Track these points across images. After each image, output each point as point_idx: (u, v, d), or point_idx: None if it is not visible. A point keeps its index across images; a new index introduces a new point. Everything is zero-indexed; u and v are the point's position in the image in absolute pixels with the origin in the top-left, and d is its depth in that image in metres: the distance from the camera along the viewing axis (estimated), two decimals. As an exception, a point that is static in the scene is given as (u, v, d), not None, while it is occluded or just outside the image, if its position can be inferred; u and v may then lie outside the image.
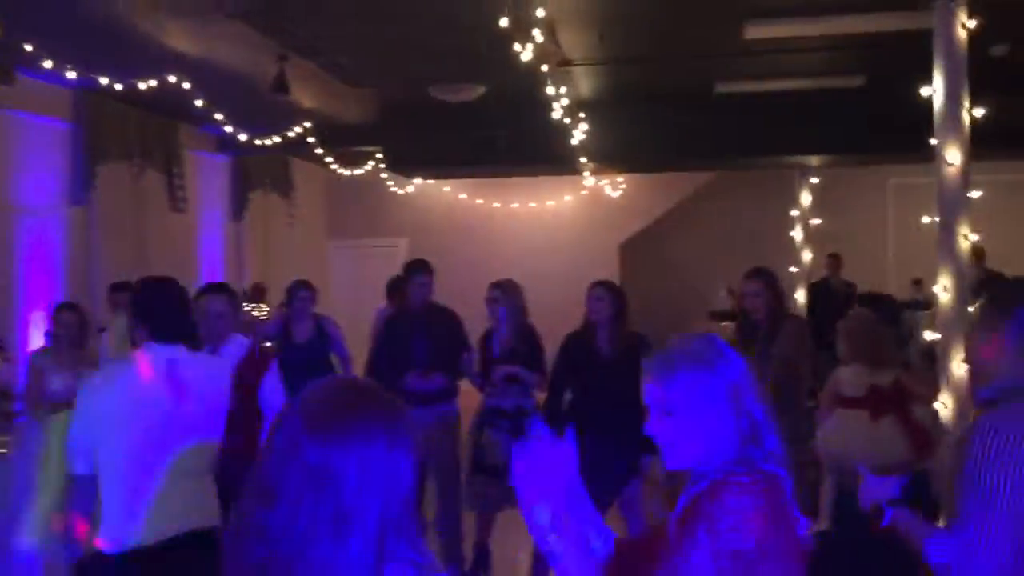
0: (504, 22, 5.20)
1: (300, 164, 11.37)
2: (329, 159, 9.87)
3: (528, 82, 6.59)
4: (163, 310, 3.16)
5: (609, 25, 6.13)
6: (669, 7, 5.87)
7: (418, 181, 12.64)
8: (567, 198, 12.75)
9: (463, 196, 12.97)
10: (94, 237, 8.02)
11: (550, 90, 6.91)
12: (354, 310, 10.88)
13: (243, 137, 8.11)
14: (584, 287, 5.04)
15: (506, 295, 5.46)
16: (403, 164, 9.95)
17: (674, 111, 8.47)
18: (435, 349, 5.42)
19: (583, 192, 12.39)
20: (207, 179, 10.09)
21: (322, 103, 8.41)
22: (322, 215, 13.28)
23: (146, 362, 3.09)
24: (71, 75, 6.05)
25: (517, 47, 5.50)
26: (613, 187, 12.21)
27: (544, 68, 5.91)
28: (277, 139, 8.51)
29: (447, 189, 12.93)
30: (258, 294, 10.15)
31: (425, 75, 7.38)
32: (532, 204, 12.96)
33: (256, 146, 9.29)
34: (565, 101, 6.97)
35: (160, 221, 8.97)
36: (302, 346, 6.17)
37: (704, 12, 6.05)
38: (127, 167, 8.35)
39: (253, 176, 10.78)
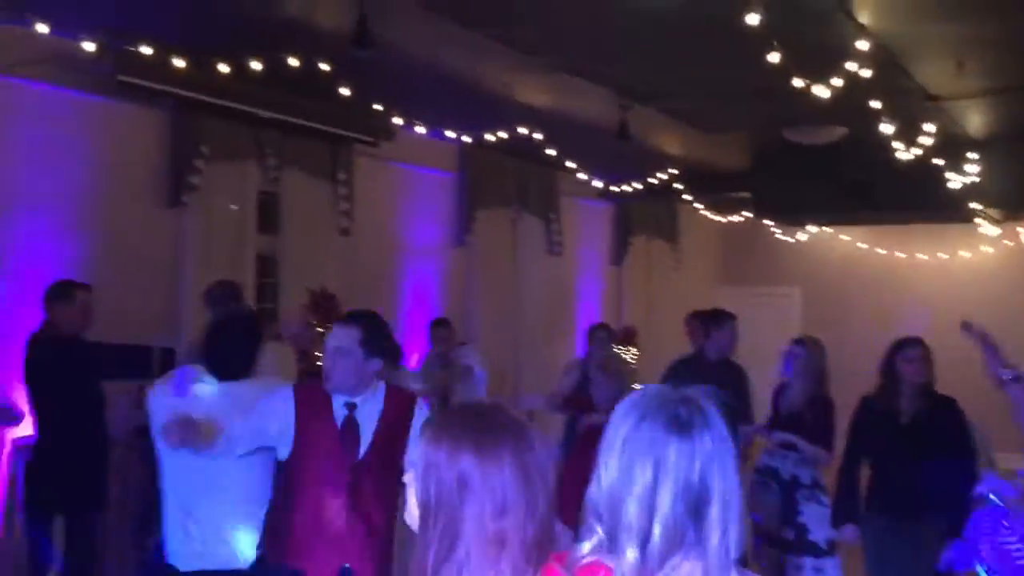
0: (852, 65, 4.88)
1: (689, 211, 11.43)
2: (699, 205, 9.80)
3: (896, 120, 6.05)
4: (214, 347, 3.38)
5: (968, 51, 5.41)
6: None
7: (812, 229, 12.06)
8: (985, 249, 11.31)
9: (863, 245, 12.10)
10: (472, 276, 8.81)
11: (922, 127, 6.29)
12: (744, 355, 10.68)
13: (598, 184, 8.39)
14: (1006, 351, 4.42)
15: (807, 352, 5.04)
16: (773, 210, 9.57)
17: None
18: None
19: (1008, 243, 10.92)
20: (588, 224, 10.56)
21: (687, 150, 8.43)
22: (712, 261, 13.19)
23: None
24: (422, 129, 6.73)
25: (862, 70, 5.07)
26: (1040, 238, 10.60)
27: (866, 106, 5.38)
28: (639, 186, 8.66)
29: (845, 238, 12.16)
30: (630, 336, 10.36)
31: (778, 117, 7.08)
32: (942, 255, 11.69)
33: (637, 194, 9.57)
34: (928, 140, 6.26)
35: (537, 263, 9.58)
36: None
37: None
38: (505, 212, 9.07)
39: (635, 222, 11.06)
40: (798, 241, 12.27)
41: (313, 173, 7.05)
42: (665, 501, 1.45)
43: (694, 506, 1.46)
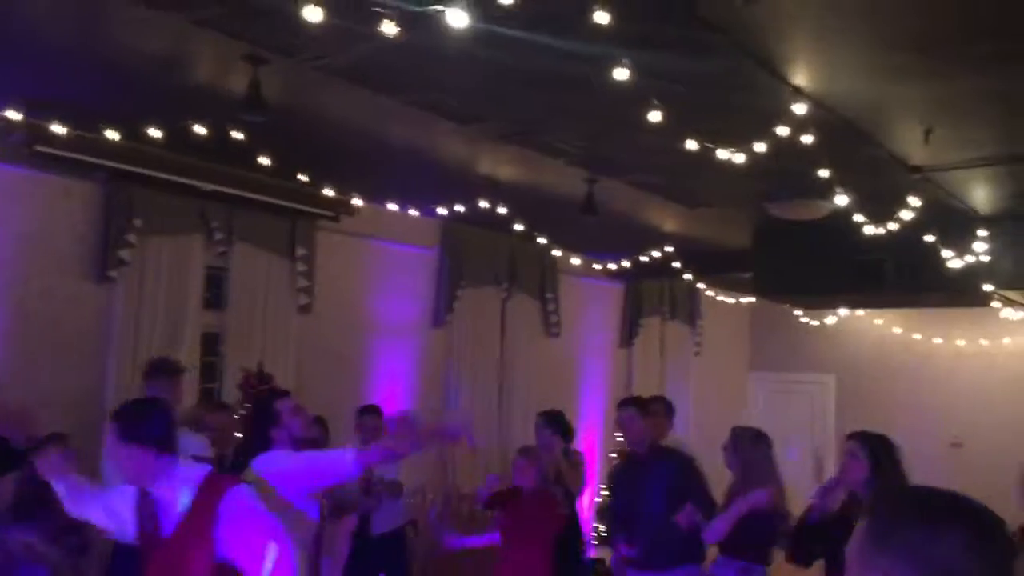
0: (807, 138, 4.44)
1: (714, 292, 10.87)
2: (702, 285, 9.26)
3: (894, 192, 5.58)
4: None
5: (936, 118, 4.87)
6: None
7: (843, 312, 11.35)
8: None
9: (897, 330, 11.32)
10: (453, 359, 8.36)
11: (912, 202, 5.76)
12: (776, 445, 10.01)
13: (576, 261, 7.96)
14: None
15: (730, 448, 4.51)
16: (776, 290, 8.95)
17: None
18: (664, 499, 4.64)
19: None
20: (594, 304, 10.08)
21: (681, 226, 7.95)
22: (741, 345, 12.54)
23: None
24: (359, 202, 6.44)
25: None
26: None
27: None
28: (627, 264, 8.19)
29: (878, 322, 11.41)
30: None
31: (759, 193, 6.59)
32: (983, 341, 10.84)
33: (643, 273, 9.09)
34: (909, 216, 5.70)
35: (531, 345, 9.10)
36: None
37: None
38: (493, 291, 8.65)
39: (647, 302, 10.53)
40: (831, 326, 11.56)
41: (267, 248, 6.78)
42: None
43: None
